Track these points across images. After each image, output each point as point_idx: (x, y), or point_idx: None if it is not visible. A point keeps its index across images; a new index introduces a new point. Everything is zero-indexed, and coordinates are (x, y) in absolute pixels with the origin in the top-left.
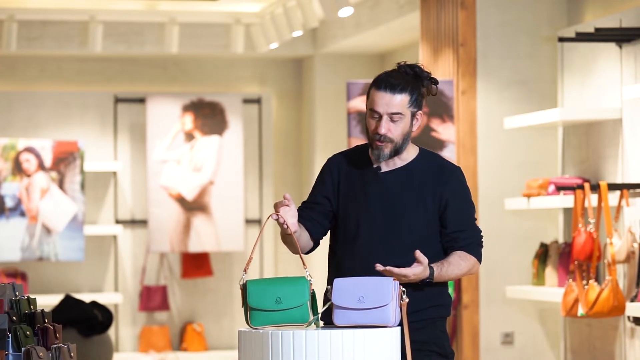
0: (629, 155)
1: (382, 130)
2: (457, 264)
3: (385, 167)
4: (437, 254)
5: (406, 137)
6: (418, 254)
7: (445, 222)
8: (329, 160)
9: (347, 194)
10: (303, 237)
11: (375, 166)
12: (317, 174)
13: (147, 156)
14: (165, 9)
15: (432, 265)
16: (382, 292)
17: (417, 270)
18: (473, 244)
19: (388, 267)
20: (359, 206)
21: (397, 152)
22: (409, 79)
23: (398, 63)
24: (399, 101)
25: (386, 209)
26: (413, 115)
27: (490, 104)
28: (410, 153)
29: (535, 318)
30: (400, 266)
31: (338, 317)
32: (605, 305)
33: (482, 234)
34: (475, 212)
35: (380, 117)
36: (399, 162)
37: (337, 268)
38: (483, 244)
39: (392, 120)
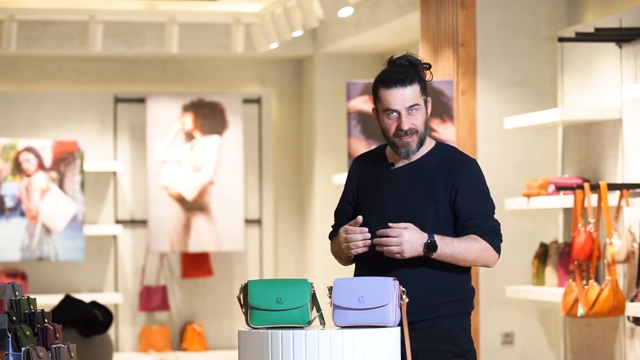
0: (629, 155)
1: (406, 126)
2: (467, 242)
3: (399, 163)
4: None
5: (426, 125)
6: (390, 225)
7: (457, 213)
8: (352, 162)
9: (364, 194)
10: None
11: (389, 162)
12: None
13: (147, 156)
14: (165, 9)
15: (433, 234)
16: (382, 292)
17: (409, 233)
18: (485, 230)
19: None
20: (373, 204)
21: (422, 142)
22: (411, 69)
23: (389, 59)
24: (412, 93)
25: (398, 206)
26: (425, 103)
27: (490, 104)
28: (425, 146)
29: (535, 318)
30: (415, 265)
31: (338, 317)
32: (605, 305)
33: (499, 225)
34: (494, 206)
35: (399, 113)
36: (412, 156)
37: (357, 263)
38: (501, 235)
39: (410, 113)
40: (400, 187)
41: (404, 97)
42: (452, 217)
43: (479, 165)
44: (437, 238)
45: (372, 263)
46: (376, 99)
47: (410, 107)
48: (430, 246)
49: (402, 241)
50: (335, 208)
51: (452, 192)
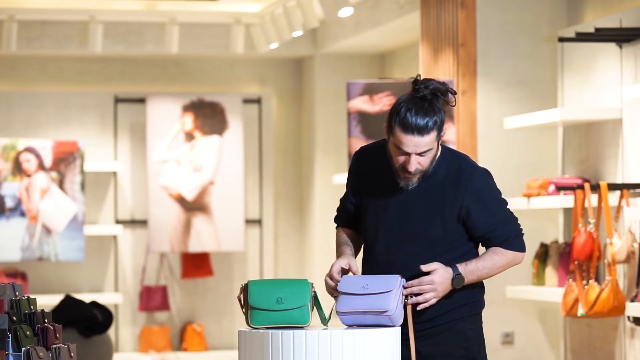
0: (629, 155)
1: (412, 168)
2: (489, 258)
3: None
4: (460, 259)
5: (433, 160)
6: (422, 267)
7: (474, 228)
8: (353, 156)
9: (367, 193)
10: (354, 248)
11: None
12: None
13: (147, 156)
14: (165, 9)
15: (455, 265)
16: (386, 282)
17: (438, 275)
18: (509, 239)
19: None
20: (378, 210)
21: (424, 176)
22: (433, 110)
23: (413, 82)
24: (428, 141)
25: (404, 219)
26: (439, 140)
27: (490, 104)
28: None
29: (535, 318)
30: (419, 274)
31: (340, 303)
32: (605, 305)
33: (517, 220)
34: (506, 203)
35: (409, 154)
36: None
37: (362, 266)
38: (522, 231)
39: (420, 155)
40: (407, 200)
41: (418, 144)
42: (461, 230)
43: (488, 173)
44: (461, 268)
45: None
46: (390, 128)
47: (422, 153)
48: (458, 280)
49: (436, 287)
50: (340, 197)
51: (463, 209)
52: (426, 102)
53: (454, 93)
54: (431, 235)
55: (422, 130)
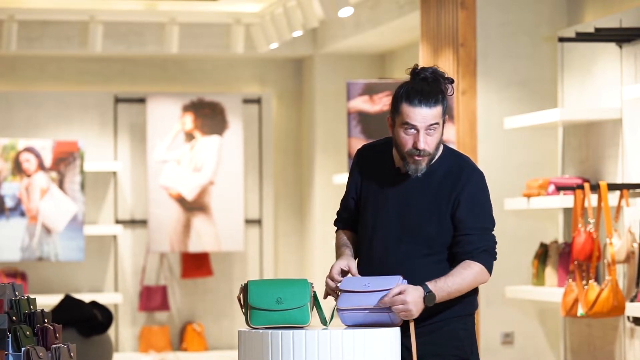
0: (629, 155)
1: (422, 145)
2: (458, 273)
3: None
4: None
5: (439, 145)
6: (392, 289)
7: (455, 225)
8: (356, 153)
9: (367, 190)
10: (353, 249)
11: (396, 166)
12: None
13: (147, 156)
14: (165, 9)
15: (424, 283)
16: (387, 281)
17: (409, 295)
18: (479, 250)
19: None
20: (376, 207)
21: (431, 162)
22: (437, 87)
23: (413, 69)
24: (435, 113)
25: (402, 214)
26: (443, 122)
27: (490, 104)
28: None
29: (535, 318)
30: (417, 270)
31: (341, 300)
32: (605, 305)
33: (494, 243)
34: (493, 223)
35: (417, 130)
36: None
37: (358, 264)
38: (495, 254)
39: (428, 133)
40: (406, 196)
41: (426, 116)
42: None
43: (484, 178)
44: (431, 285)
45: (367, 273)
46: (395, 111)
47: (430, 126)
48: (430, 298)
49: (409, 307)
50: (341, 198)
51: (455, 205)
52: (428, 81)
53: (452, 81)
54: (428, 233)
55: (429, 101)
